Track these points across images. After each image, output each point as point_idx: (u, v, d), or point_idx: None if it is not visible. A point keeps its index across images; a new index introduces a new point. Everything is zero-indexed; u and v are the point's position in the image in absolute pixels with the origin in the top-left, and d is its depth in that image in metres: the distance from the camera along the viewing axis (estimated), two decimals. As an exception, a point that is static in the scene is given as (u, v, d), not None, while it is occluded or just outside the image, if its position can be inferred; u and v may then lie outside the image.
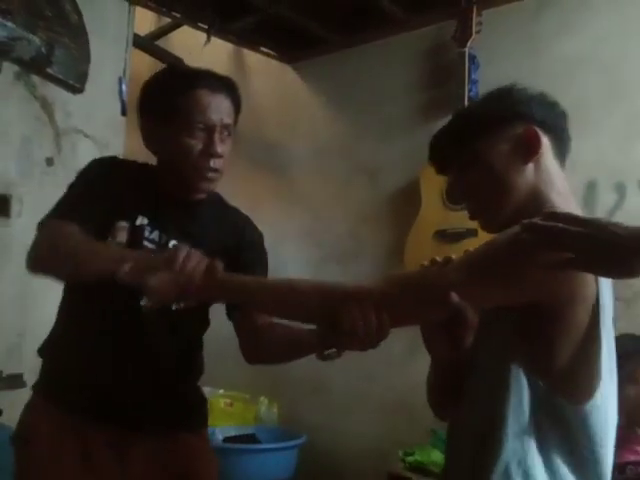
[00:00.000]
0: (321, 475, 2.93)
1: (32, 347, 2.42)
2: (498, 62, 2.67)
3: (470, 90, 2.58)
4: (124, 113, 2.75)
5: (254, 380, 3.15)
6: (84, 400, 1.31)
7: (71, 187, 1.39)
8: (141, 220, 1.33)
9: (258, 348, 1.39)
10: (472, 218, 1.12)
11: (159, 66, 3.56)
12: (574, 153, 2.70)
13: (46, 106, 2.47)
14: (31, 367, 2.39)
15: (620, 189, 2.33)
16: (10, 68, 2.34)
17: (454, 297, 0.91)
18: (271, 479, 2.66)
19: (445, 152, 1.10)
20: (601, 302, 0.95)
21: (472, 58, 2.62)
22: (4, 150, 2.34)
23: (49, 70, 2.42)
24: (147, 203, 1.35)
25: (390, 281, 1.01)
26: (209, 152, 1.30)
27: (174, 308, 1.32)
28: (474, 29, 2.59)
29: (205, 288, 1.08)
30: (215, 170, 1.33)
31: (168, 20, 3.42)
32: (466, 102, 2.53)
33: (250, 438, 2.81)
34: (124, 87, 2.73)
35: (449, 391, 1.10)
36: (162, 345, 1.37)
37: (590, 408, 0.94)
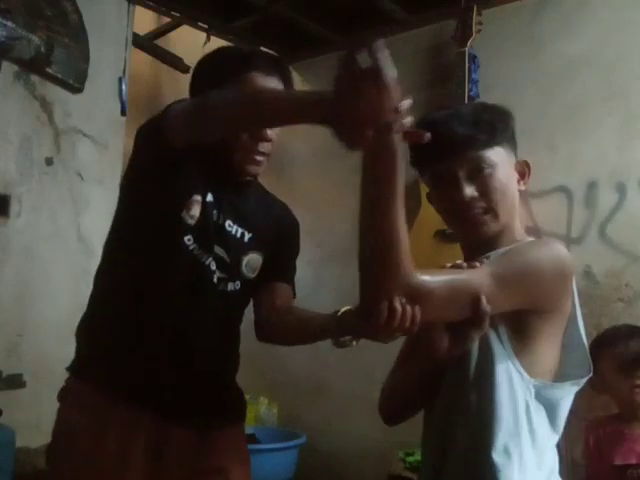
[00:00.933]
0: (321, 476, 2.93)
1: (32, 347, 2.44)
2: (498, 62, 2.67)
3: (470, 90, 2.58)
4: (124, 113, 2.74)
5: (254, 380, 3.15)
6: (134, 381, 1.26)
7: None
8: (210, 197, 1.31)
9: (272, 327, 1.38)
10: (471, 216, 1.12)
11: (159, 66, 3.56)
12: (575, 152, 2.72)
13: (45, 106, 2.47)
14: (31, 367, 2.40)
15: (621, 189, 2.33)
16: (10, 68, 2.34)
17: (484, 302, 0.97)
18: None
19: (468, 139, 1.09)
20: (576, 299, 1.11)
21: (472, 58, 2.61)
22: (3, 150, 2.34)
23: (49, 70, 2.42)
24: (213, 182, 1.33)
25: (435, 275, 1.01)
26: (259, 136, 1.30)
27: (251, 275, 1.34)
28: (474, 29, 2.59)
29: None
30: (264, 154, 1.32)
31: (168, 19, 3.42)
32: (466, 101, 2.53)
33: (250, 438, 2.80)
34: (124, 87, 2.72)
35: (415, 401, 1.19)
36: (219, 329, 1.35)
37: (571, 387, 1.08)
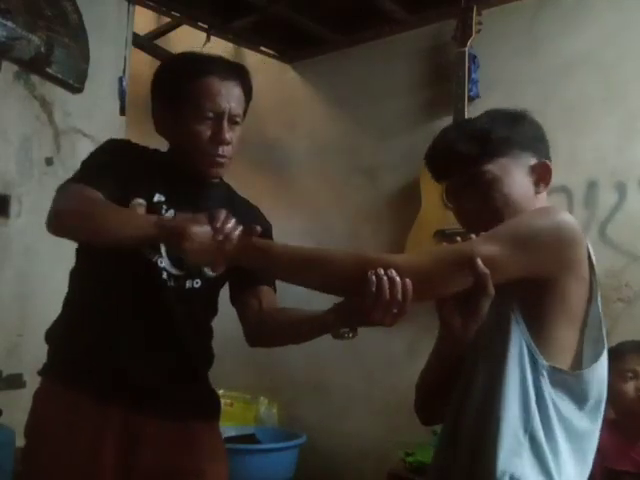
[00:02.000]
0: (321, 476, 2.93)
1: (32, 347, 2.43)
2: (498, 62, 2.67)
3: (470, 90, 2.58)
4: (124, 112, 2.74)
5: (254, 380, 3.15)
6: (101, 380, 1.29)
7: (89, 158, 1.37)
8: (158, 197, 1.33)
9: (263, 332, 1.40)
10: (470, 227, 1.14)
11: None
12: (575, 152, 2.72)
13: (45, 106, 2.47)
14: (31, 367, 2.39)
15: (621, 189, 2.33)
16: (10, 68, 2.33)
17: (480, 263, 0.97)
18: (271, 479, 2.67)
19: (463, 157, 1.11)
20: (594, 281, 1.05)
21: (472, 58, 2.61)
22: (3, 150, 2.34)
23: (48, 70, 2.42)
24: (163, 182, 1.35)
25: (418, 253, 1.04)
26: (218, 139, 1.32)
27: (212, 274, 1.34)
28: (474, 29, 2.58)
29: (241, 248, 1.11)
30: (224, 157, 1.34)
31: (168, 19, 3.42)
32: (466, 102, 2.53)
33: (250, 438, 2.80)
34: (124, 87, 2.72)
35: (441, 391, 1.15)
36: (180, 326, 1.36)
37: (590, 375, 1.03)
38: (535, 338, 1.02)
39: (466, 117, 2.51)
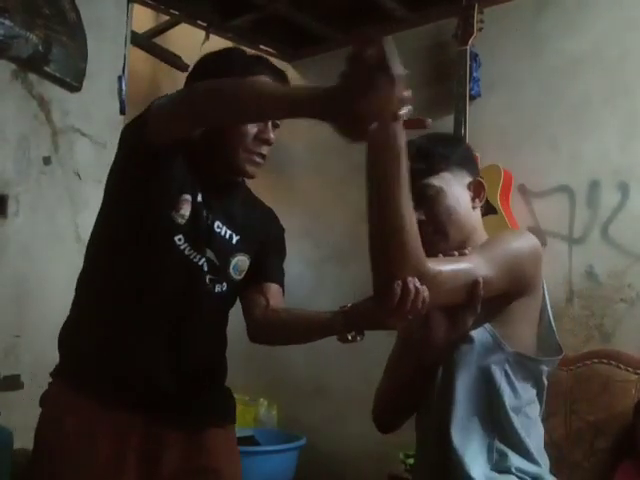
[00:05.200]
0: (321, 477, 2.92)
1: (29, 348, 2.42)
2: (500, 60, 2.65)
3: (472, 89, 2.57)
4: (123, 112, 2.72)
5: (253, 382, 3.14)
6: (124, 385, 1.25)
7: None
8: (200, 197, 1.30)
9: (267, 329, 1.38)
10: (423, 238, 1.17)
11: (157, 64, 3.55)
12: (576, 152, 2.71)
13: (43, 105, 2.45)
14: (28, 368, 2.39)
15: (623, 188, 2.31)
16: (7, 66, 2.32)
17: (481, 287, 1.07)
18: (271, 481, 2.65)
19: (411, 172, 1.15)
20: (544, 286, 1.24)
21: (474, 56, 2.60)
22: (1, 149, 2.33)
23: (46, 68, 2.40)
24: (198, 180, 1.31)
25: (433, 261, 1.07)
26: (263, 138, 1.30)
27: (238, 277, 1.35)
28: (475, 27, 2.57)
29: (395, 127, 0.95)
30: (264, 156, 1.33)
31: (166, 18, 3.40)
32: (467, 101, 2.52)
33: (249, 440, 2.79)
34: (123, 85, 2.70)
35: (410, 402, 1.27)
36: (210, 329, 1.35)
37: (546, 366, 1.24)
38: (499, 333, 1.17)
39: (467, 116, 2.50)
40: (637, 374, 1.93)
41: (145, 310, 1.27)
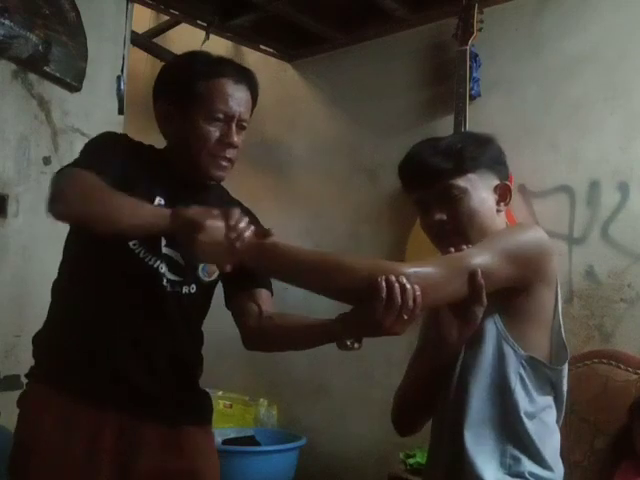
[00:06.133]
0: (321, 478, 2.92)
1: (29, 348, 2.41)
2: (500, 60, 2.65)
3: (472, 89, 2.56)
4: (122, 111, 2.72)
5: (253, 382, 3.13)
6: (98, 384, 1.28)
7: (89, 145, 1.34)
8: (158, 201, 1.31)
9: (262, 337, 1.38)
10: (436, 238, 1.24)
11: (157, 64, 3.54)
12: (577, 152, 2.70)
13: (43, 104, 2.45)
14: (28, 369, 2.38)
15: (623, 188, 2.30)
16: (7, 66, 2.32)
17: (480, 276, 1.06)
18: (271, 481, 2.65)
19: (437, 170, 1.21)
20: (558, 290, 1.20)
21: (474, 56, 2.59)
22: (1, 149, 2.32)
23: (46, 68, 2.40)
24: (162, 183, 1.33)
25: (421, 262, 1.08)
26: (226, 141, 1.31)
27: (207, 279, 1.34)
28: (475, 27, 2.56)
29: (251, 248, 1.11)
30: (229, 160, 1.33)
31: (166, 18, 3.40)
32: (467, 101, 2.51)
33: (249, 440, 2.79)
34: (123, 85, 2.70)
35: (426, 402, 1.26)
36: (177, 332, 1.36)
37: (562, 373, 1.20)
38: (512, 336, 1.15)
39: (467, 116, 2.50)
40: (637, 374, 1.93)
41: (110, 312, 1.30)
